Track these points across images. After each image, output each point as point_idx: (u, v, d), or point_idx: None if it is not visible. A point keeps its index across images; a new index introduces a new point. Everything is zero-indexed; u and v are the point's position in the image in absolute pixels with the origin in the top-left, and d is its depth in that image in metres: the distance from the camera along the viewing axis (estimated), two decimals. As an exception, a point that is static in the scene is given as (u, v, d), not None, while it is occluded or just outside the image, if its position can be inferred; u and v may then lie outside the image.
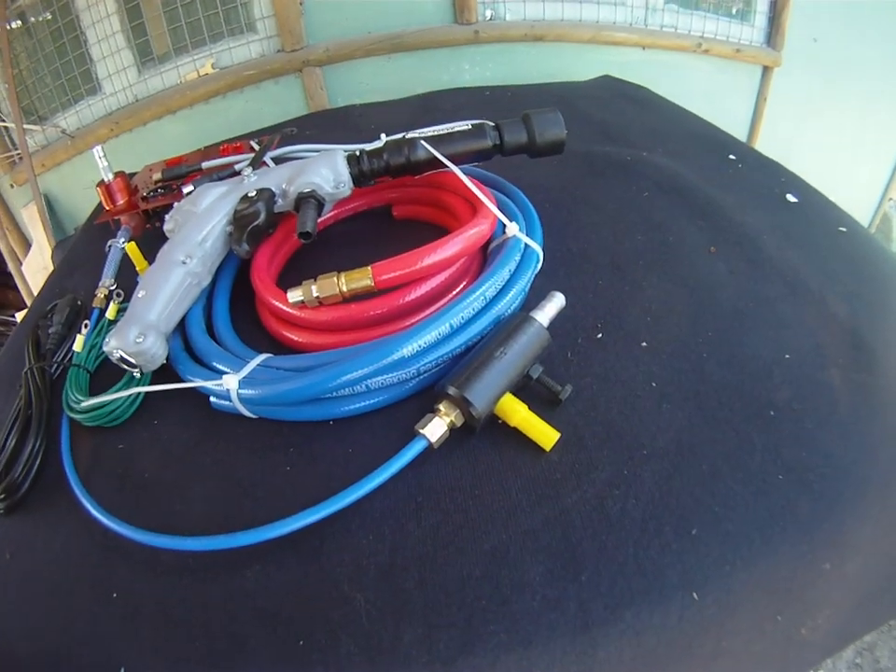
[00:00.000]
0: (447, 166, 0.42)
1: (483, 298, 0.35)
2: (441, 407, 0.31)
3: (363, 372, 0.31)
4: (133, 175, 0.86)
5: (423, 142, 0.44)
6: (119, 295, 0.47)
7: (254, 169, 0.51)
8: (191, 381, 0.35)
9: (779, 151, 1.17)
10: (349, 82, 1.03)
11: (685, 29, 1.06)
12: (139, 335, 0.36)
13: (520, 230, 0.39)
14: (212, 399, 0.36)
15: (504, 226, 0.39)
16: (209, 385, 0.33)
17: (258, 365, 0.34)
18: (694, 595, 0.26)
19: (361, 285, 0.36)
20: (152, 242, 0.57)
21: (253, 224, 0.41)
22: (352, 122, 0.79)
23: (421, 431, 0.30)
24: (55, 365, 0.47)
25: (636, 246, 0.45)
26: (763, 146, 1.20)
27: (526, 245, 0.39)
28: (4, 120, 1.12)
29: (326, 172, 0.43)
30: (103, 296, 0.52)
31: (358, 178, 0.44)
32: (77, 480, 0.35)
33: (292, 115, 1.06)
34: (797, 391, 0.33)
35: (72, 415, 0.40)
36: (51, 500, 0.37)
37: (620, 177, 0.54)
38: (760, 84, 1.14)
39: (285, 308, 0.37)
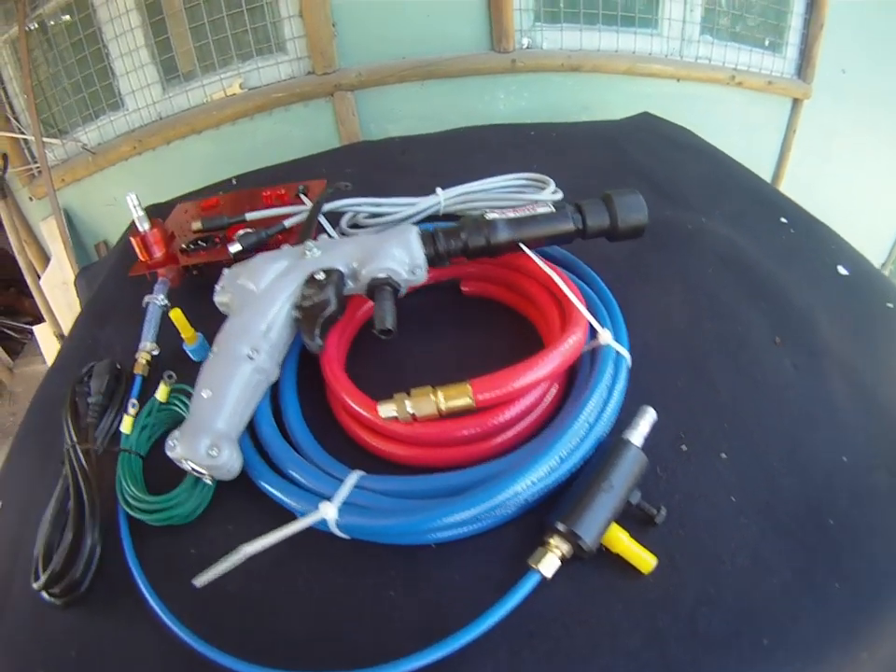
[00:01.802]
0: (536, 261, 0.40)
1: (587, 424, 0.33)
2: (552, 541, 0.29)
3: (475, 512, 0.29)
4: (163, 205, 0.82)
5: (503, 224, 0.41)
6: (171, 377, 0.43)
7: (307, 234, 0.48)
8: (286, 505, 0.33)
9: (806, 181, 1.16)
10: (381, 108, 0.99)
11: (719, 60, 1.03)
12: (212, 447, 0.33)
13: (607, 329, 0.37)
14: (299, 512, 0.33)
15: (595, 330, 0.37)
16: (312, 519, 0.30)
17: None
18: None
19: (460, 403, 0.33)
20: (192, 295, 0.54)
21: (325, 314, 0.38)
22: (395, 160, 0.75)
23: (535, 566, 0.29)
24: (98, 442, 0.43)
25: (708, 338, 0.43)
26: (791, 176, 1.18)
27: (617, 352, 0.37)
28: (23, 132, 1.07)
29: (400, 253, 0.40)
30: (144, 361, 0.49)
31: (433, 259, 0.41)
32: (152, 592, 0.32)
33: (321, 139, 1.02)
34: (853, 498, 0.33)
35: (132, 513, 0.37)
36: (119, 602, 0.34)
37: (684, 250, 0.52)
38: (790, 116, 1.11)
39: (375, 420, 0.34)
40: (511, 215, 0.42)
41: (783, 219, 0.59)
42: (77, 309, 1.16)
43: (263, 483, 0.34)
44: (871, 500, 0.33)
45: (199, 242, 0.56)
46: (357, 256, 0.40)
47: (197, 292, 0.56)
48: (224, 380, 0.36)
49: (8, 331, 1.65)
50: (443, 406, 0.33)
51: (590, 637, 0.28)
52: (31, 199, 1.12)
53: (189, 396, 0.43)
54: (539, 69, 0.96)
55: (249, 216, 0.56)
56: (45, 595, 0.35)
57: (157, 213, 0.78)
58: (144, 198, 1.08)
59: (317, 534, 0.33)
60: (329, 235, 0.48)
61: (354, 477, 0.32)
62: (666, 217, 0.56)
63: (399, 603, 0.30)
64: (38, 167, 1.08)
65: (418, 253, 0.40)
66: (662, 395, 0.38)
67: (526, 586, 0.28)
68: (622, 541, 0.30)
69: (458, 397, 0.32)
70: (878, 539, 0.31)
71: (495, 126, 0.81)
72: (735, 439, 0.36)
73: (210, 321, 0.46)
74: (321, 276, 0.39)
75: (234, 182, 0.80)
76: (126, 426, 0.42)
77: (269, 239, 0.51)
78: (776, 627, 0.28)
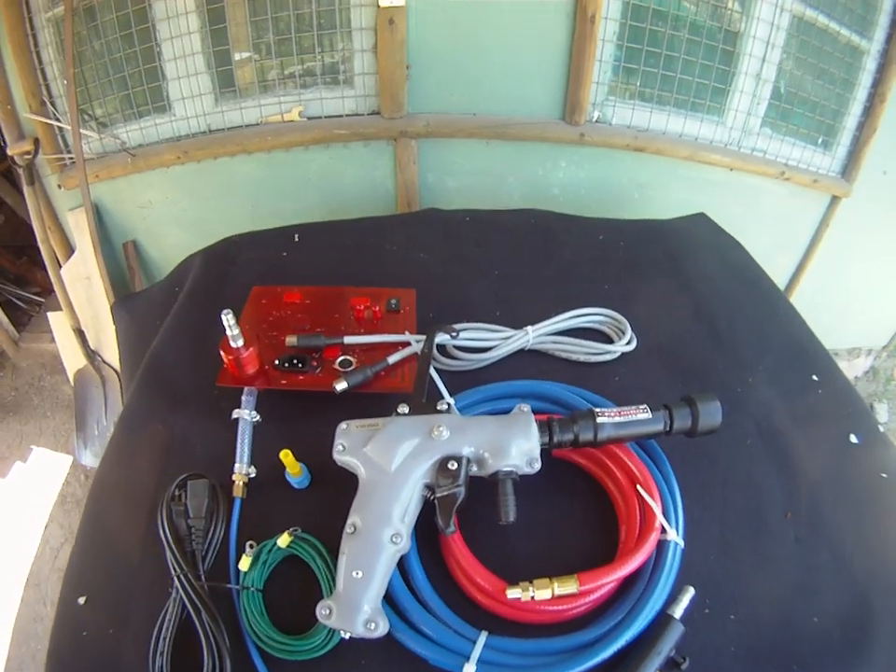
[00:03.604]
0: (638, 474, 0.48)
1: (654, 607, 0.43)
2: None
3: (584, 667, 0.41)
4: (215, 248, 0.80)
5: (610, 425, 0.47)
6: (295, 531, 0.48)
7: (421, 393, 0.52)
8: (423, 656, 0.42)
9: (830, 269, 1.25)
10: (443, 160, 1.00)
11: (773, 154, 1.08)
12: (369, 622, 0.40)
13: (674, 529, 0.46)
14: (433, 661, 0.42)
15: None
16: None
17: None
18: None
19: (568, 591, 0.43)
20: (277, 401, 0.57)
21: (458, 504, 0.44)
22: (470, 250, 0.77)
23: None
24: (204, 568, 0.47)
25: (737, 512, 0.52)
26: (816, 264, 1.26)
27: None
28: (58, 119, 1.03)
29: (521, 446, 0.45)
30: (242, 484, 0.52)
31: (546, 447, 0.48)
32: None
33: (377, 181, 1.03)
34: (814, 648, 0.44)
35: (266, 650, 0.43)
36: None
37: (730, 416, 0.55)
38: (825, 211, 1.18)
39: (501, 597, 0.43)
40: (617, 418, 0.48)
41: (815, 377, 0.66)
42: (104, 316, 1.12)
43: (409, 643, 0.42)
44: (826, 652, 0.44)
45: (293, 360, 0.58)
46: (485, 445, 0.46)
47: (282, 400, 0.58)
48: (372, 562, 0.42)
49: (17, 301, 1.62)
50: (556, 592, 0.43)
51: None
52: (60, 187, 1.09)
53: (305, 541, 0.48)
54: (605, 145, 0.99)
55: (347, 339, 0.59)
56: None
57: (212, 259, 0.79)
58: (183, 210, 1.11)
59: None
60: (445, 400, 0.52)
61: (483, 639, 0.41)
62: (720, 372, 0.64)
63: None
64: (72, 158, 1.05)
65: (537, 449, 0.46)
66: (698, 566, 0.48)
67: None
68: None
69: (568, 586, 0.43)
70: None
71: (564, 217, 0.84)
72: (743, 602, 0.47)
73: (297, 433, 0.52)
74: (454, 466, 0.45)
75: (296, 238, 0.80)
76: (244, 564, 0.47)
77: (373, 377, 0.55)
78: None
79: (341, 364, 0.57)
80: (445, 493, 0.44)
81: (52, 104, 1.02)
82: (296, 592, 0.48)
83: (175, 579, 0.46)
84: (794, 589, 0.48)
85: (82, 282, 1.15)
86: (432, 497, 0.46)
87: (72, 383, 1.28)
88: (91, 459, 1.28)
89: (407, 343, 0.58)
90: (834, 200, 1.17)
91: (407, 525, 0.44)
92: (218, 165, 1.02)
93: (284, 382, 0.56)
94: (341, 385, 0.54)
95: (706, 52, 1.00)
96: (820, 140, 1.12)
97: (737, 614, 0.46)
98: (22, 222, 1.66)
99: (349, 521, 0.45)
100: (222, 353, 0.56)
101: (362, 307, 0.62)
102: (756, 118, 1.06)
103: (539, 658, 0.42)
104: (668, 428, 0.49)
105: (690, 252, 0.83)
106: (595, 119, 0.98)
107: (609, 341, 0.64)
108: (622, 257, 0.79)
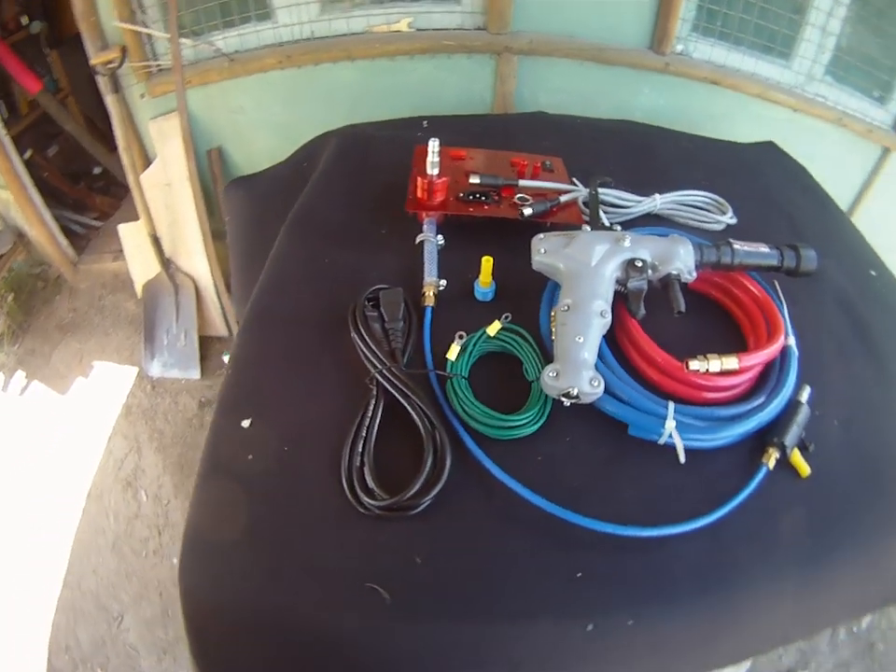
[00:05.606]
0: (765, 285, 0.65)
1: (789, 390, 0.58)
2: (771, 449, 0.55)
3: (743, 430, 0.55)
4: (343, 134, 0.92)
5: (743, 252, 0.63)
6: (507, 318, 0.60)
7: (597, 219, 0.67)
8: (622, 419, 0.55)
9: (877, 217, 1.45)
10: (540, 77, 1.16)
11: (833, 101, 1.29)
12: (593, 379, 0.51)
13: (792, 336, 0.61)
14: (631, 429, 0.54)
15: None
16: (672, 434, 0.52)
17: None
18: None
19: (731, 366, 0.56)
20: (453, 233, 0.69)
21: (644, 293, 0.59)
22: (585, 143, 0.92)
23: (765, 462, 0.54)
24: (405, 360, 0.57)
25: (825, 351, 0.67)
26: (864, 210, 1.46)
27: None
28: (147, 27, 1.14)
29: (682, 257, 0.61)
30: (432, 294, 0.63)
31: (696, 265, 0.62)
32: (523, 488, 0.49)
33: (475, 93, 1.18)
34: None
35: (479, 428, 0.53)
36: (478, 507, 0.51)
37: (815, 285, 0.72)
38: (876, 162, 1.39)
39: (676, 371, 0.56)
40: (747, 248, 0.63)
41: (872, 272, 0.84)
42: (178, 213, 1.21)
43: (612, 409, 0.55)
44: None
45: (476, 195, 0.71)
46: (657, 254, 0.61)
47: (458, 232, 0.70)
48: (588, 329, 0.55)
49: (76, 227, 1.72)
50: (723, 366, 0.56)
51: (773, 501, 0.53)
52: (142, 96, 1.19)
53: (515, 333, 0.60)
54: (686, 75, 1.17)
55: (522, 182, 0.73)
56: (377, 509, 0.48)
57: (347, 135, 0.91)
58: (275, 115, 1.24)
59: (637, 441, 0.55)
60: (603, 223, 0.68)
61: (671, 405, 0.54)
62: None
63: (693, 487, 0.53)
64: (158, 65, 1.16)
65: (692, 261, 0.61)
66: (807, 377, 0.61)
67: (761, 473, 0.54)
68: (795, 456, 0.56)
69: (731, 362, 0.56)
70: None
71: (656, 128, 1.02)
72: (851, 410, 0.62)
73: (476, 258, 0.63)
74: (640, 264, 0.60)
75: (425, 124, 0.94)
76: (452, 353, 0.58)
77: (551, 209, 0.71)
78: (848, 506, 0.54)
79: (518, 200, 0.71)
80: (636, 283, 0.60)
81: (143, 12, 1.13)
82: (498, 380, 0.58)
83: (378, 375, 0.54)
84: (866, 412, 0.62)
85: (161, 189, 1.26)
86: (623, 289, 0.61)
87: (139, 295, 1.37)
88: (158, 370, 1.37)
89: (570, 191, 0.73)
90: (886, 152, 1.38)
91: (609, 306, 0.58)
92: (319, 71, 1.16)
93: (471, 209, 0.69)
94: (528, 211, 0.68)
95: (779, 1, 1.19)
96: (877, 94, 1.32)
97: (839, 419, 0.60)
98: (78, 150, 1.77)
99: (561, 302, 0.58)
100: (417, 179, 0.68)
101: (524, 163, 0.77)
102: (820, 66, 1.26)
103: (711, 422, 0.55)
104: (780, 264, 0.65)
105: (766, 167, 1.00)
106: (678, 52, 1.16)
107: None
108: (708, 164, 0.95)
